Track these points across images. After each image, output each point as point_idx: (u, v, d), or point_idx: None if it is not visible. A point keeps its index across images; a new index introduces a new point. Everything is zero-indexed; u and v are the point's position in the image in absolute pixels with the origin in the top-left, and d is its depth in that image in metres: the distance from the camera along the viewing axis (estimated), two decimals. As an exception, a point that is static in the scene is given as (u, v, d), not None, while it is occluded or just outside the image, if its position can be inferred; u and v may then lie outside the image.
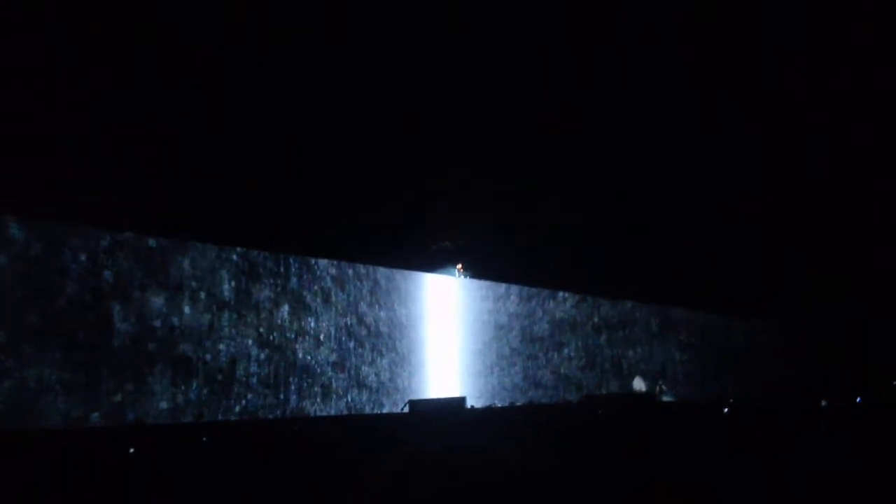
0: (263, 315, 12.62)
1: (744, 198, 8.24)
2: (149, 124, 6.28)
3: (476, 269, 13.72)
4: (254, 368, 11.98)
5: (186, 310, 10.05)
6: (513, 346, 26.69)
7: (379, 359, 23.43)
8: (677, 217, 9.15)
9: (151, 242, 9.36)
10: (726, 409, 7.23)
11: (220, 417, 10.61)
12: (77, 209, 7.81)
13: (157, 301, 9.36)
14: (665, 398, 12.16)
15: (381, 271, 24.13)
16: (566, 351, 20.19)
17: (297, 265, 14.36)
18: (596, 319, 17.98)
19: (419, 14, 4.92)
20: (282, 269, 13.58)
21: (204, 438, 5.74)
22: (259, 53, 5.28)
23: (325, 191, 8.38)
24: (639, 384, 13.34)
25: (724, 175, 7.75)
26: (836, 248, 8.86)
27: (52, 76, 5.30)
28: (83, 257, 8.09)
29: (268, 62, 5.41)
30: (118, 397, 8.39)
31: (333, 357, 17.00)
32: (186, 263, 10.17)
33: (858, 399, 7.12)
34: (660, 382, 13.31)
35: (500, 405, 13.45)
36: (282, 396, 13.11)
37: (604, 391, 17.29)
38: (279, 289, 13.42)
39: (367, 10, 4.84)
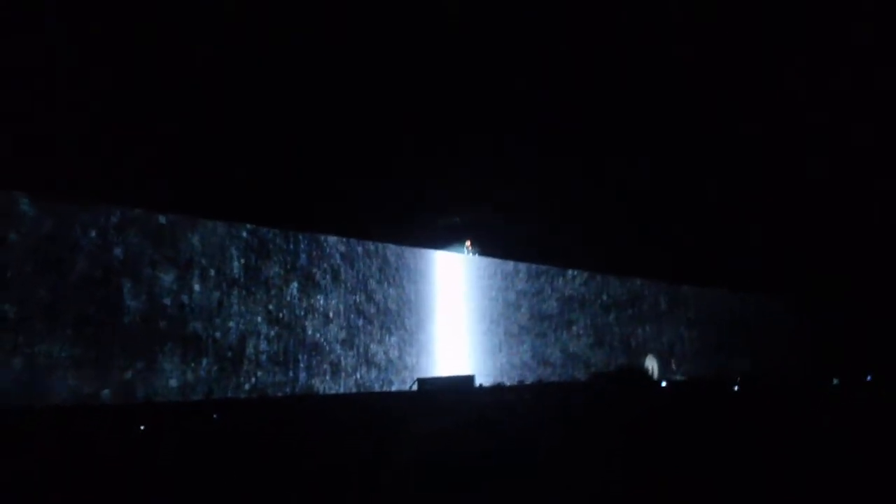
0: (273, 292, 12.64)
1: (752, 177, 8.21)
2: (160, 104, 6.28)
3: (485, 247, 13.71)
4: (263, 346, 12.02)
5: (196, 287, 10.07)
6: (521, 323, 26.72)
7: (388, 337, 23.49)
8: (685, 194, 9.13)
9: (161, 219, 9.36)
10: (735, 387, 7.23)
11: (229, 395, 10.66)
12: (87, 185, 7.83)
13: (167, 278, 9.38)
14: (677, 377, 12.16)
15: (390, 248, 24.16)
16: (575, 329, 20.19)
17: (306, 242, 14.38)
18: (605, 297, 17.97)
19: (419, 14, 4.89)
20: (291, 247, 13.59)
21: (214, 415, 5.76)
22: (263, 54, 5.26)
23: (334, 167, 8.38)
24: (651, 362, 13.33)
25: (730, 154, 7.72)
26: (850, 225, 8.82)
27: (56, 67, 5.30)
28: (93, 233, 8.10)
29: (273, 63, 5.40)
30: (128, 374, 8.43)
31: (342, 335, 17.04)
32: (196, 240, 10.18)
33: (869, 377, 7.11)
34: (672, 361, 13.31)
35: (508, 383, 13.49)
36: (291, 374, 13.16)
37: (612, 369, 17.31)
38: (288, 266, 13.44)
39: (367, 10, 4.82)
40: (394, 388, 22.94)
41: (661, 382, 7.64)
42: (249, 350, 11.51)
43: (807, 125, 6.53)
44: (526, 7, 4.83)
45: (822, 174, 7.56)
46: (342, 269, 17.29)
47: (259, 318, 11.99)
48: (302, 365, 13.79)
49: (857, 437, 5.31)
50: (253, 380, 11.52)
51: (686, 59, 5.53)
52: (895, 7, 4.70)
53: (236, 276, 11.32)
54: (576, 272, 19.76)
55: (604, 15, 4.94)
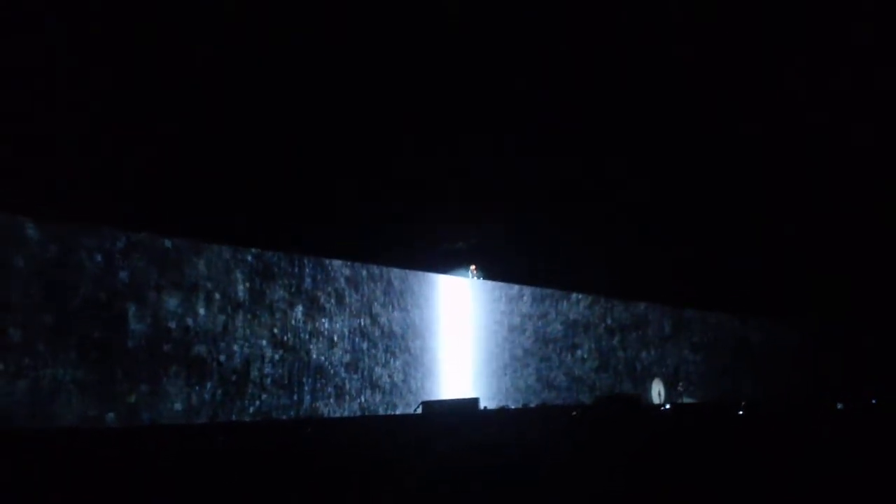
0: (278, 316, 12.66)
1: (755, 198, 8.22)
2: (161, 125, 6.32)
3: (489, 271, 13.73)
4: (268, 369, 12.01)
5: (201, 311, 10.09)
6: (526, 347, 26.65)
7: (392, 360, 23.45)
8: (688, 218, 9.14)
9: (167, 243, 9.40)
10: (740, 411, 7.22)
11: (234, 418, 10.65)
12: (92, 209, 7.86)
13: (172, 302, 9.41)
14: (686, 399, 12.12)
15: (395, 272, 24.14)
16: (579, 352, 20.14)
17: (311, 266, 14.39)
18: (609, 321, 17.94)
19: (420, 13, 4.92)
20: (296, 270, 13.61)
21: (218, 439, 5.77)
22: (263, 54, 5.30)
23: (339, 191, 8.41)
24: (657, 387, 13.27)
25: (732, 176, 7.74)
26: (853, 247, 8.82)
27: (58, 76, 5.34)
28: (99, 257, 8.13)
29: (274, 63, 5.43)
30: (133, 398, 8.43)
31: (347, 358, 17.02)
32: (201, 264, 10.21)
33: (874, 401, 7.09)
34: (679, 384, 13.25)
35: (513, 406, 13.46)
36: (295, 397, 13.14)
37: (615, 392, 17.26)
38: (293, 289, 13.45)
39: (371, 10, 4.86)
40: (398, 412, 22.87)
41: (663, 406, 7.63)
42: (254, 373, 11.50)
43: (807, 125, 6.54)
44: (526, 7, 4.85)
45: (820, 177, 7.56)
46: (347, 293, 17.28)
47: (264, 342, 11.99)
48: (306, 388, 13.77)
49: (862, 459, 5.30)
50: (257, 403, 11.51)
51: (686, 59, 5.55)
52: (895, 7, 4.72)
53: (241, 299, 11.33)
54: (580, 296, 19.73)
55: (604, 15, 4.96)
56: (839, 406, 6.97)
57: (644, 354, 16.03)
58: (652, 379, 14.17)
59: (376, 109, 6.22)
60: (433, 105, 6.22)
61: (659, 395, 13.31)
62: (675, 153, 7.23)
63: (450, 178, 8.17)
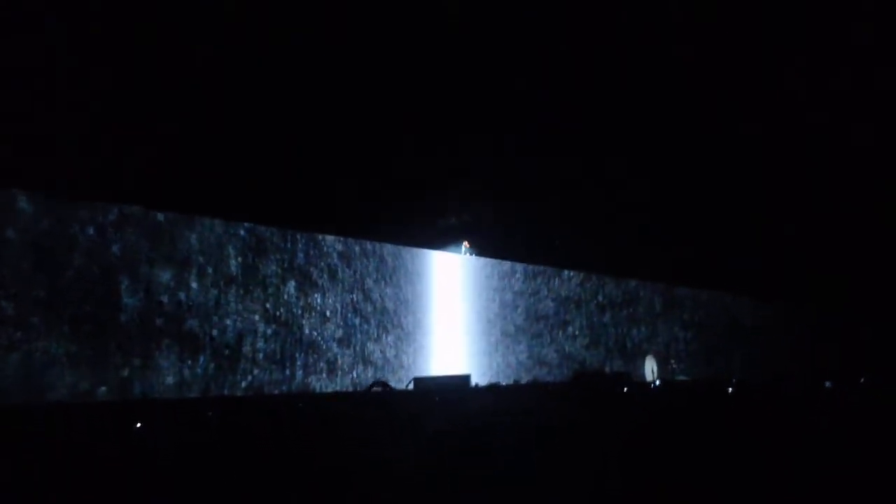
0: (270, 290, 12.67)
1: (750, 179, 8.24)
2: (158, 102, 6.30)
3: (482, 247, 13.74)
4: (260, 344, 12.04)
5: (193, 285, 10.10)
6: (517, 323, 26.75)
7: (384, 336, 23.52)
8: (682, 198, 9.16)
9: (159, 217, 9.39)
10: (730, 389, 7.26)
11: (226, 392, 10.69)
12: (84, 182, 7.85)
13: (165, 276, 9.41)
14: (678, 377, 12.19)
15: (388, 248, 24.19)
16: (570, 329, 20.23)
17: (303, 241, 14.40)
18: (600, 298, 18.01)
19: (422, 13, 4.91)
20: (289, 245, 13.61)
21: (210, 413, 5.79)
22: (260, 40, 5.28)
23: (332, 166, 8.40)
24: (650, 363, 13.34)
25: (727, 156, 7.75)
26: (844, 229, 8.86)
27: (54, 65, 5.31)
28: (91, 231, 8.12)
29: (270, 45, 5.41)
30: (125, 371, 8.45)
31: (339, 333, 17.06)
32: (194, 238, 10.20)
33: (862, 380, 7.14)
34: (671, 361, 13.33)
35: (504, 383, 13.53)
36: (288, 372, 13.18)
37: (607, 369, 17.35)
38: (286, 265, 13.46)
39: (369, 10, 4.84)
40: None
41: (654, 383, 7.67)
42: (246, 348, 11.53)
43: (807, 125, 6.55)
44: (526, 7, 4.85)
45: (820, 177, 7.58)
46: (339, 269, 17.31)
47: (256, 317, 12.01)
48: (299, 363, 13.82)
49: (852, 439, 5.35)
50: (250, 377, 11.54)
51: (686, 59, 5.55)
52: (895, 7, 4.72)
53: (234, 274, 11.34)
54: (572, 273, 19.80)
55: (604, 15, 4.96)
56: (827, 384, 7.02)
57: (635, 331, 16.11)
58: (645, 355, 14.24)
59: (371, 86, 6.20)
60: (426, 84, 6.20)
61: (652, 371, 13.38)
62: (668, 132, 7.23)
63: (443, 156, 8.16)
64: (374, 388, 8.70)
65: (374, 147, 7.86)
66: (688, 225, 9.45)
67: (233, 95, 6.17)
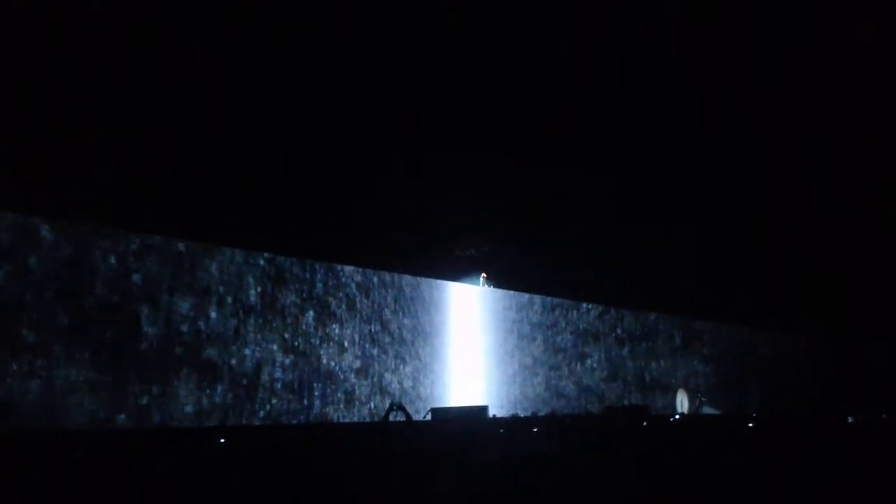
0: (289, 320, 12.71)
1: (765, 208, 8.22)
2: (178, 129, 6.38)
3: (500, 279, 13.74)
4: (278, 374, 12.06)
5: (213, 314, 10.15)
6: (535, 355, 26.63)
7: (402, 366, 23.47)
8: (699, 228, 9.15)
9: (180, 246, 9.46)
10: (750, 423, 7.21)
11: (244, 422, 10.70)
12: (107, 212, 7.93)
13: (185, 305, 9.47)
14: (706, 410, 12.10)
15: (406, 279, 24.19)
16: (589, 362, 20.13)
17: (322, 271, 14.44)
18: (619, 331, 17.93)
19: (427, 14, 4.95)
20: (308, 275, 13.66)
21: (228, 443, 5.80)
22: (277, 64, 5.35)
23: (352, 198, 8.45)
24: (681, 396, 13.23)
25: (744, 187, 7.74)
26: (864, 260, 8.81)
27: (77, 78, 5.39)
28: (112, 260, 8.20)
29: (288, 71, 5.48)
30: (144, 400, 8.49)
31: (357, 364, 17.06)
32: (214, 268, 10.27)
33: (884, 415, 7.07)
34: (699, 395, 13.22)
35: (522, 415, 13.46)
36: (305, 402, 13.18)
37: (626, 402, 17.23)
38: (305, 295, 13.50)
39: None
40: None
41: (673, 417, 7.63)
42: (265, 377, 11.55)
43: (824, 140, 6.53)
44: (526, 7, 4.86)
45: (836, 205, 7.56)
46: (358, 299, 17.32)
47: (275, 346, 12.04)
48: (316, 393, 13.82)
49: (872, 472, 5.30)
50: (268, 407, 11.55)
51: (686, 59, 5.54)
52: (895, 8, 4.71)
53: (253, 303, 11.39)
54: (590, 305, 19.72)
55: (604, 15, 4.97)
56: (850, 420, 6.96)
57: (654, 365, 16.02)
58: (676, 389, 14.13)
59: (392, 119, 6.26)
60: (447, 113, 6.25)
61: (681, 404, 13.30)
62: (687, 164, 7.24)
63: (462, 187, 8.21)
64: (393, 411, 8.71)
65: (395, 179, 7.92)
66: (698, 238, 9.41)
67: (255, 128, 6.23)
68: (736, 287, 11.00)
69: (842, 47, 5.26)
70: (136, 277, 8.55)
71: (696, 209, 8.48)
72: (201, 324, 9.82)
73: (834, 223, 8.16)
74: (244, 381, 10.87)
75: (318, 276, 14.23)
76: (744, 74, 5.69)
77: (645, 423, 7.70)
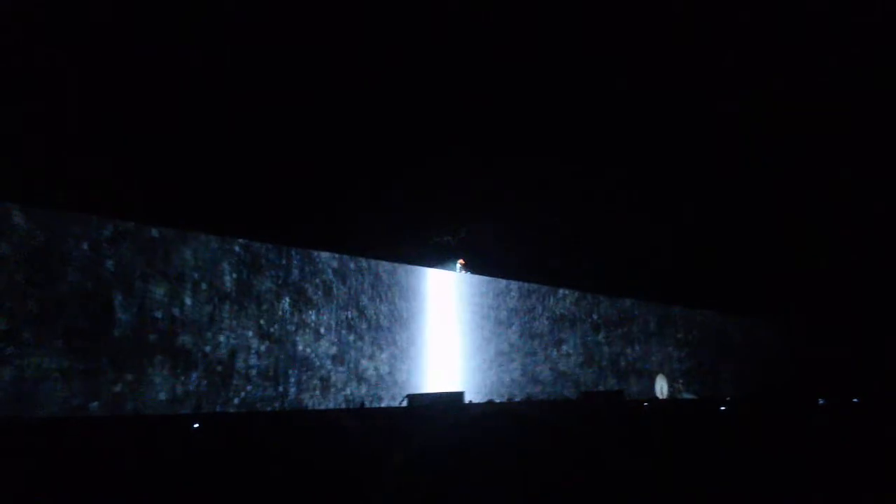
0: (264, 307, 12.65)
1: (741, 196, 8.25)
2: (152, 113, 6.30)
3: (477, 265, 13.74)
4: (253, 360, 12.01)
5: (187, 301, 10.08)
6: (512, 341, 26.73)
7: (378, 352, 23.47)
8: (676, 214, 9.17)
9: (154, 232, 9.38)
10: (722, 407, 7.26)
11: (218, 409, 10.65)
12: (80, 199, 7.85)
13: (159, 291, 9.39)
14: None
15: (383, 265, 24.18)
16: (565, 348, 20.21)
17: (298, 257, 14.39)
18: (595, 316, 18.01)
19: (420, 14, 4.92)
20: (283, 262, 13.61)
21: (202, 429, 5.77)
22: (260, 50, 5.30)
23: (327, 183, 8.41)
24: (661, 383, 13.32)
25: (719, 175, 7.76)
26: (834, 245, 8.87)
27: (44, 57, 5.31)
28: (85, 246, 8.11)
29: (266, 61, 5.43)
30: (118, 387, 8.42)
31: (333, 350, 17.03)
32: (188, 254, 10.20)
33: (855, 399, 7.14)
34: (679, 380, 13.31)
35: (498, 400, 13.51)
36: (281, 389, 13.15)
37: (601, 388, 17.33)
38: (280, 281, 13.45)
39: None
40: (384, 404, 22.91)
41: (645, 402, 7.66)
42: (239, 364, 11.50)
43: (797, 137, 6.56)
44: (525, 8, 4.85)
45: (809, 194, 7.59)
46: (334, 285, 17.29)
47: (250, 333, 11.99)
48: (292, 380, 13.78)
49: (843, 456, 5.35)
50: (242, 394, 11.51)
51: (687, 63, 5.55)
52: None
53: (228, 290, 11.33)
54: (567, 291, 19.80)
55: (604, 15, 4.96)
56: (821, 402, 7.01)
57: (629, 350, 16.11)
58: (651, 374, 14.23)
59: (366, 106, 6.21)
60: (422, 98, 6.21)
61: (661, 390, 13.39)
62: (664, 151, 7.25)
63: (439, 174, 8.18)
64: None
65: (371, 164, 7.88)
66: (674, 224, 9.45)
67: (230, 112, 6.18)
68: (711, 273, 11.06)
69: (843, 48, 5.27)
70: (109, 264, 8.47)
71: (673, 195, 8.50)
72: (176, 310, 9.75)
73: (807, 209, 8.21)
74: (219, 368, 10.82)
75: (294, 262, 14.18)
76: (741, 75, 5.70)
77: (623, 407, 7.73)
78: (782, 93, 6.03)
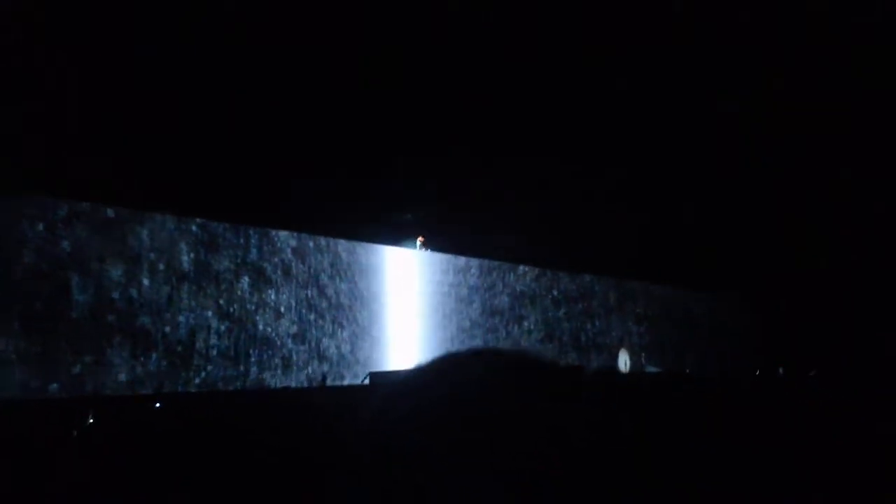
0: (223, 287, 12.56)
1: (701, 168, 8.32)
2: (108, 91, 6.22)
3: (437, 243, 13.75)
4: (213, 340, 11.93)
5: (145, 281, 9.98)
6: (473, 318, 26.77)
7: (339, 331, 23.39)
8: (640, 190, 9.24)
9: (109, 212, 9.25)
10: (686, 382, 7.34)
11: (179, 389, 10.58)
12: (34, 177, 7.72)
13: (116, 272, 9.28)
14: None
15: (342, 244, 24.05)
16: (526, 324, 20.30)
17: (256, 237, 14.27)
18: (555, 292, 18.10)
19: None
20: (242, 241, 13.49)
21: (163, 410, 5.73)
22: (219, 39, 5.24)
23: (286, 162, 8.35)
24: (624, 357, 13.42)
25: (679, 146, 7.81)
26: (799, 223, 8.98)
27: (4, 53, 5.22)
28: (40, 227, 7.99)
29: (228, 43, 5.37)
30: (77, 369, 8.33)
31: (294, 329, 16.95)
32: (145, 234, 10.08)
33: (812, 373, 7.26)
34: (642, 355, 13.43)
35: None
36: (242, 368, 13.07)
37: (561, 363, 17.44)
38: (239, 260, 13.34)
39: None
40: (346, 382, 22.89)
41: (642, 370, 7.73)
42: (199, 344, 11.42)
43: (753, 115, 6.61)
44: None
45: (773, 169, 7.67)
46: (294, 264, 17.18)
47: (209, 313, 11.90)
48: (253, 359, 13.71)
49: (804, 432, 5.43)
50: (203, 374, 11.44)
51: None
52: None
53: (186, 270, 11.22)
54: (527, 268, 19.84)
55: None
56: (780, 371, 7.13)
57: (589, 326, 16.23)
58: (619, 349, 14.32)
59: (326, 83, 6.18)
60: (389, 80, 6.19)
61: (625, 364, 13.51)
62: (622, 120, 7.28)
63: (396, 153, 8.16)
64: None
65: (328, 142, 7.83)
66: (635, 199, 9.51)
67: (188, 90, 6.10)
68: (669, 246, 11.16)
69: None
70: (65, 244, 8.36)
71: (631, 168, 8.55)
72: (133, 291, 9.65)
73: (769, 182, 8.31)
74: (179, 349, 10.73)
75: (253, 241, 14.07)
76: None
77: (580, 384, 7.78)
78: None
